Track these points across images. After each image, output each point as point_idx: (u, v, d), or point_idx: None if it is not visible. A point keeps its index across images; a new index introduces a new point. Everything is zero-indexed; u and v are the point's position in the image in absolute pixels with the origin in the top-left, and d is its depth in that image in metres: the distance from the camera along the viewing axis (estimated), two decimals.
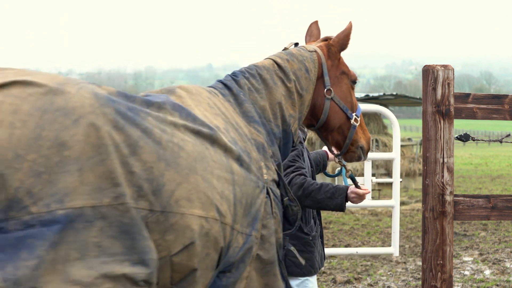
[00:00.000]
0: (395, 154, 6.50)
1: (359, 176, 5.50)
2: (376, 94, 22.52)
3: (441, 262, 3.52)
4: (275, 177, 3.24)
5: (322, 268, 8.07)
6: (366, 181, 6.09)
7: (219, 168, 2.90)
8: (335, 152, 3.81)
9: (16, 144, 2.41)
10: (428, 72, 3.55)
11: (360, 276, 7.76)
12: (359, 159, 3.79)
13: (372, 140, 19.49)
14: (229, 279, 3.01)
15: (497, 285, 7.31)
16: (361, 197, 3.96)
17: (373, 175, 17.36)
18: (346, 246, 9.52)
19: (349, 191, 3.98)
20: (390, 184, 14.72)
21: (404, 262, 8.54)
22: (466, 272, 7.98)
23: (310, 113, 3.65)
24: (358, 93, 22.87)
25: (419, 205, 14.21)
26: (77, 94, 2.55)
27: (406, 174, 19.23)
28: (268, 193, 3.14)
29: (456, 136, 3.76)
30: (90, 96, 2.57)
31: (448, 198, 3.53)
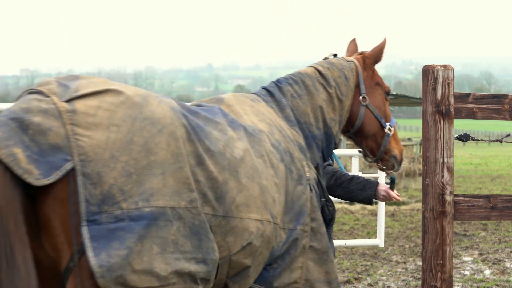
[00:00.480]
0: None
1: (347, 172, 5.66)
2: None
3: (441, 262, 3.52)
4: (315, 176, 3.54)
5: None
6: None
7: (270, 174, 3.24)
8: (371, 158, 4.08)
9: (112, 146, 2.70)
10: (428, 72, 3.55)
11: (360, 276, 7.76)
12: (392, 167, 4.07)
13: None
14: (276, 270, 3.33)
15: (497, 285, 7.31)
16: (389, 198, 4.11)
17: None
18: (345, 246, 9.52)
19: (380, 187, 4.12)
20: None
21: (404, 262, 8.54)
22: (466, 272, 7.98)
23: (347, 118, 3.94)
24: None
25: (419, 205, 14.22)
26: (159, 107, 2.88)
27: (406, 174, 19.22)
28: (311, 189, 3.45)
29: (456, 136, 3.77)
30: (169, 109, 2.91)
31: (448, 198, 3.53)
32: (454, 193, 3.57)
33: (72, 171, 2.63)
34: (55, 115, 2.67)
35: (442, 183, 3.51)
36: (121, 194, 2.68)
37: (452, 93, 3.55)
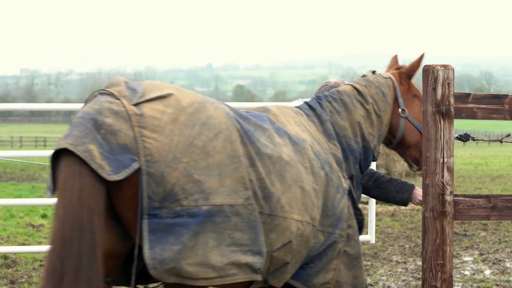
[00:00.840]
0: None
1: None
2: None
3: (441, 262, 3.51)
4: (349, 186, 3.80)
5: None
6: None
7: (311, 180, 3.48)
8: (415, 167, 4.34)
9: (175, 149, 2.97)
10: (428, 72, 3.55)
11: None
12: None
13: None
14: (312, 269, 3.57)
15: (497, 285, 7.31)
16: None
17: None
18: None
19: (416, 191, 4.31)
20: None
21: (404, 262, 8.53)
22: (466, 272, 7.97)
23: (388, 131, 4.19)
24: None
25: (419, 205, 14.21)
26: (215, 113, 3.16)
27: (406, 174, 19.18)
28: (348, 198, 3.73)
29: (456, 136, 3.76)
30: (224, 115, 3.18)
31: (448, 198, 3.53)
32: (454, 193, 3.57)
33: (139, 170, 2.91)
34: (125, 117, 2.95)
35: (442, 183, 3.51)
36: (182, 192, 2.94)
37: (452, 93, 3.54)
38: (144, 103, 3.02)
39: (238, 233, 3.07)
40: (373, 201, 6.79)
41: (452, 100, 3.54)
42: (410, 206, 14.46)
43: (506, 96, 3.68)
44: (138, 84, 3.12)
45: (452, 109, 3.53)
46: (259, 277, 3.17)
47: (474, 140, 4.10)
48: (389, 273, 7.95)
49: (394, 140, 4.24)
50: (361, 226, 3.87)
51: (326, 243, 3.57)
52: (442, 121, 3.52)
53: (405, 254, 9.06)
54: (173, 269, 2.90)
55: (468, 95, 3.63)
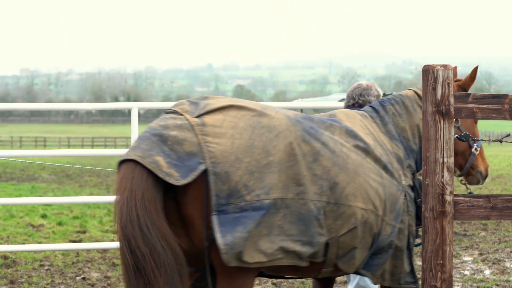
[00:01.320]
0: None
1: None
2: None
3: (441, 262, 3.51)
4: (411, 183, 4.07)
5: None
6: None
7: (373, 173, 3.79)
8: (457, 172, 4.60)
9: (236, 150, 3.31)
10: (428, 72, 3.55)
11: None
12: (477, 182, 4.66)
13: None
14: (379, 260, 3.88)
15: (497, 285, 7.31)
16: None
17: None
18: None
19: None
20: None
21: None
22: (466, 272, 7.97)
23: None
24: None
25: None
26: (276, 116, 3.50)
27: None
28: (405, 195, 3.98)
29: (456, 136, 3.76)
30: (285, 117, 3.52)
31: (448, 198, 3.53)
32: (454, 193, 3.57)
33: (205, 171, 3.24)
34: (188, 128, 3.31)
35: (442, 183, 3.51)
36: (245, 189, 3.28)
37: (452, 93, 3.54)
38: (205, 114, 3.37)
39: (287, 224, 3.38)
40: None
41: (452, 100, 3.54)
42: None
43: (506, 96, 3.68)
44: (201, 100, 3.50)
45: (452, 109, 3.53)
46: (303, 263, 3.49)
47: (474, 140, 4.10)
48: None
49: None
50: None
51: (391, 236, 3.83)
52: (442, 121, 3.52)
53: None
54: (240, 254, 3.24)
55: (468, 95, 3.63)
